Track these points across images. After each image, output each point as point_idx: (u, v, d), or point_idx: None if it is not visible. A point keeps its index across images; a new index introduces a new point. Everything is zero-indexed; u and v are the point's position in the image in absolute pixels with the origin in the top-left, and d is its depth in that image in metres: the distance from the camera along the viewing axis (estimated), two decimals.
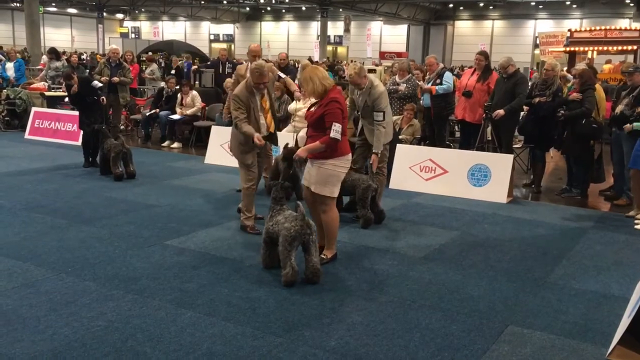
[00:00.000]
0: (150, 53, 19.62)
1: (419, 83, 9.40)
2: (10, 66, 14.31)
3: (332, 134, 4.82)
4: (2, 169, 8.71)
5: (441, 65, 10.00)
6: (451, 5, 44.50)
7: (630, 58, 17.19)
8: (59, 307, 4.09)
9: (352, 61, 31.75)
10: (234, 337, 3.76)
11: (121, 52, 12.78)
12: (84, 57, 27.49)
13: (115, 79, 11.06)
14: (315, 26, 48.34)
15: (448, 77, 9.41)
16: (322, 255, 5.04)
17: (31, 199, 7.02)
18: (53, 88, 13.27)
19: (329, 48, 45.08)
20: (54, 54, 13.95)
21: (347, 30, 38.39)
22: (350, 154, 5.14)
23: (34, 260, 4.98)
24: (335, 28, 46.12)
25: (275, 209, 4.80)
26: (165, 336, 3.74)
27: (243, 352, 3.56)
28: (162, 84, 13.23)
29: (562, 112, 7.63)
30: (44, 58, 20.04)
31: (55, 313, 4.01)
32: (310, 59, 22.87)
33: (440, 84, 9.25)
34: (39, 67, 17.55)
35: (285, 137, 9.05)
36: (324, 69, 5.05)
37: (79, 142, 9.92)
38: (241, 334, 3.80)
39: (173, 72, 16.04)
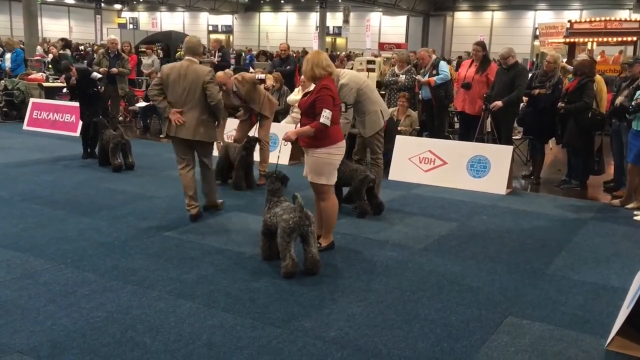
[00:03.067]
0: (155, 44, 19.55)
1: (417, 77, 9.39)
2: (8, 57, 14.26)
3: (321, 120, 4.81)
4: (1, 160, 8.69)
5: (434, 56, 9.98)
6: None
7: (630, 49, 17.15)
8: (58, 298, 4.09)
9: (350, 53, 31.64)
10: (233, 327, 3.76)
11: (119, 43, 12.73)
12: (81, 48, 27.32)
13: (114, 69, 11.01)
14: (314, 17, 48.11)
15: (443, 66, 9.42)
16: (318, 243, 5.03)
17: (30, 190, 7.00)
18: (54, 78, 13.25)
19: (328, 39, 44.92)
20: (64, 42, 14.02)
21: (346, 21, 38.22)
22: (343, 141, 5.11)
23: (33, 251, 4.98)
24: (334, 19, 45.92)
25: (272, 201, 4.79)
26: (164, 327, 3.74)
27: (242, 343, 3.57)
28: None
29: (562, 105, 7.60)
30: (39, 49, 19.96)
31: (55, 304, 4.01)
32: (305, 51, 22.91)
33: (437, 74, 9.25)
34: (36, 57, 17.46)
35: (285, 128, 9.04)
36: (326, 57, 5.05)
37: (78, 133, 9.90)
38: (240, 324, 3.80)
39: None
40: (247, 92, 7.44)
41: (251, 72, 10.87)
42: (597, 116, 7.51)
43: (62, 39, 15.01)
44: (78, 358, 3.35)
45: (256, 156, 7.64)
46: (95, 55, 13.34)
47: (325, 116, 4.81)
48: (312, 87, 5.10)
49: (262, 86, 7.96)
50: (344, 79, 6.10)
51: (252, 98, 7.47)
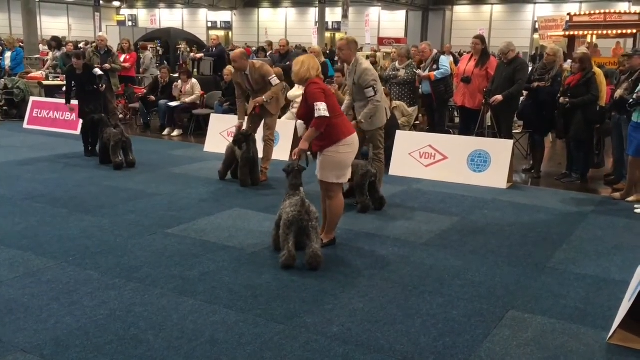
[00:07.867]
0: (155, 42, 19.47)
1: (417, 71, 9.39)
2: (8, 55, 14.26)
3: (317, 114, 4.78)
4: (2, 159, 8.70)
5: (435, 50, 9.98)
6: None
7: (630, 42, 17.14)
8: (61, 296, 4.11)
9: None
10: (235, 324, 3.77)
11: (119, 40, 12.79)
12: (80, 45, 27.28)
13: (107, 65, 11.02)
14: (313, 12, 48.03)
15: (444, 60, 9.42)
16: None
17: (31, 189, 7.01)
18: (54, 77, 13.24)
19: (327, 34, 44.77)
20: (56, 42, 13.97)
21: (345, 16, 38.10)
22: (351, 137, 5.04)
23: (35, 250, 4.99)
24: (334, 14, 45.81)
25: (288, 194, 4.88)
26: (167, 324, 3.75)
27: (245, 339, 3.58)
28: (157, 72, 13.22)
29: (567, 99, 7.56)
30: (43, 47, 19.95)
31: (58, 302, 4.02)
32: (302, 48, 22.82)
33: (437, 69, 9.25)
34: (36, 56, 17.43)
35: (285, 124, 9.05)
36: (318, 62, 5.07)
37: (78, 132, 9.90)
38: (243, 321, 3.81)
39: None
40: (256, 82, 7.36)
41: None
42: (601, 109, 7.52)
43: (54, 38, 14.93)
44: (81, 356, 3.36)
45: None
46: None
47: (319, 108, 4.77)
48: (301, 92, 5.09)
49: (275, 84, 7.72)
50: (364, 64, 6.05)
51: (260, 88, 7.39)
